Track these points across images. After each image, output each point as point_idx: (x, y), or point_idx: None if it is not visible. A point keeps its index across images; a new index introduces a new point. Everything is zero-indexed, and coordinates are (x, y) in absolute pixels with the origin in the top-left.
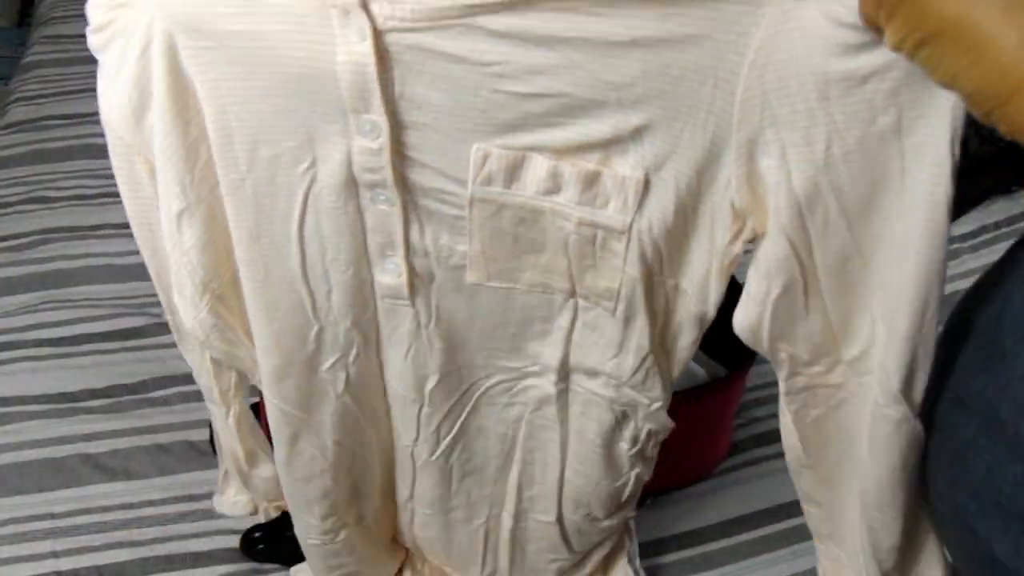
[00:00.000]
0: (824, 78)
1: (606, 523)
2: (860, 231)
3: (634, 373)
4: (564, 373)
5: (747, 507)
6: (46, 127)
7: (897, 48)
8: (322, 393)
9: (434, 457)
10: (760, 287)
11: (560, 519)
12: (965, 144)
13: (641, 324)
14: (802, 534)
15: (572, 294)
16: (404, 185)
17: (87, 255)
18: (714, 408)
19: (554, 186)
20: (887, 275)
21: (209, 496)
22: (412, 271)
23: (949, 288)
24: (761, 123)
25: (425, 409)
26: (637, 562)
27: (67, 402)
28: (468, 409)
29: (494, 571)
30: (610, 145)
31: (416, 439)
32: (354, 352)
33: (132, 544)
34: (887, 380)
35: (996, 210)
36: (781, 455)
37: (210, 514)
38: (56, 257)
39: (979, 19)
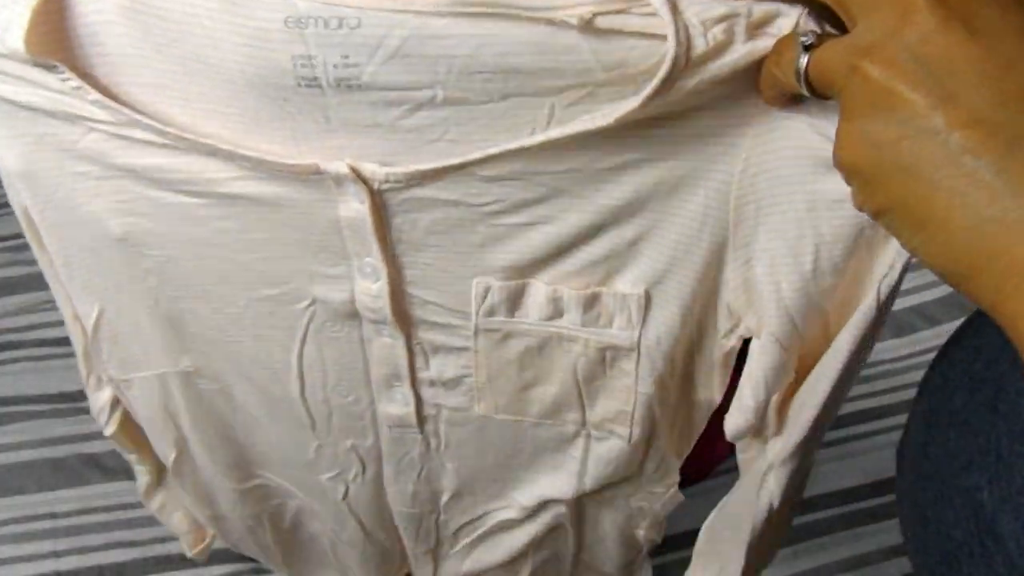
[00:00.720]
0: (812, 190)
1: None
2: (845, 319)
3: (654, 473)
4: (579, 500)
5: None
6: None
7: (860, 211)
8: (321, 493)
9: (453, 552)
10: (759, 396)
11: None
12: None
13: (660, 439)
14: (802, 534)
15: (583, 425)
16: (407, 320)
17: None
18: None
19: (556, 311)
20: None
21: None
22: (419, 400)
23: (948, 288)
24: (756, 227)
25: (442, 517)
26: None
27: (67, 402)
28: (481, 532)
29: None
30: (608, 263)
31: (438, 542)
32: (352, 472)
33: (132, 544)
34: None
35: None
36: None
37: None
38: None
39: (926, 198)
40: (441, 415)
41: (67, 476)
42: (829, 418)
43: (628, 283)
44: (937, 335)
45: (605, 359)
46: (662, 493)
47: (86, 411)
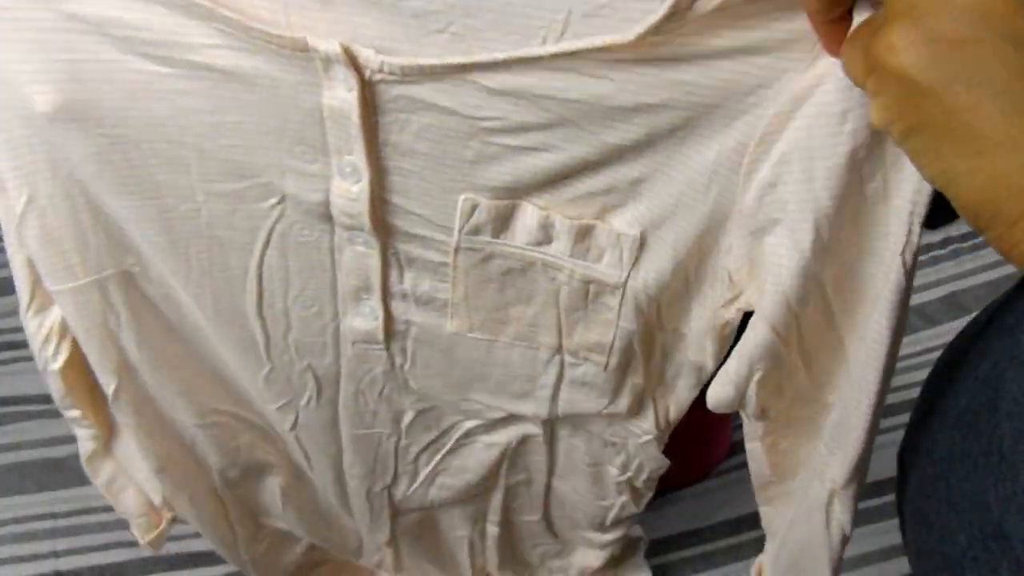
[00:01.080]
0: (809, 156)
1: (591, 534)
2: (847, 294)
3: (628, 409)
4: (550, 421)
5: (747, 507)
6: None
7: (884, 129)
8: (269, 426)
9: (412, 490)
10: (742, 370)
11: (546, 516)
12: None
13: (636, 367)
14: None
15: (558, 350)
16: (385, 229)
17: None
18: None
19: (545, 237)
20: (863, 328)
21: None
22: (389, 316)
23: (948, 289)
24: (765, 201)
25: (403, 441)
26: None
27: None
28: (448, 447)
29: (483, 566)
30: (606, 197)
31: (395, 477)
32: (306, 397)
33: (132, 544)
34: (846, 454)
35: None
36: None
37: None
38: None
39: (986, 117)
40: (410, 332)
41: (67, 476)
42: (876, 420)
43: (625, 222)
44: (937, 335)
45: (588, 292)
46: (638, 435)
47: None
